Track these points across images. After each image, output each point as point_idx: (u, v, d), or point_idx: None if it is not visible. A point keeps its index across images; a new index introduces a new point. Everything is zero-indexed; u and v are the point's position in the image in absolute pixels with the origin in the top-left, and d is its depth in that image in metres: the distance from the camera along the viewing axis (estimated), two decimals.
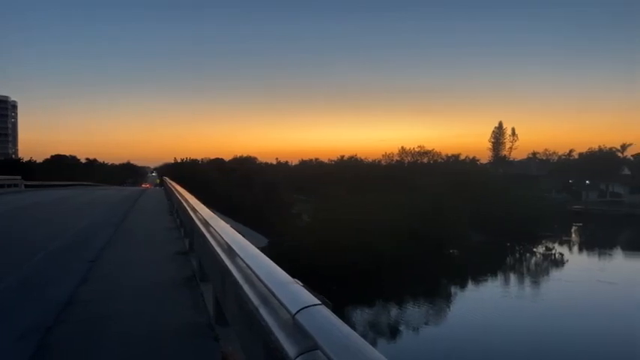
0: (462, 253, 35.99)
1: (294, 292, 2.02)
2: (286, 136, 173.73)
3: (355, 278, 25.37)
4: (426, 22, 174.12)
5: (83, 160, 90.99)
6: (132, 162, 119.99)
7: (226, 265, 3.39)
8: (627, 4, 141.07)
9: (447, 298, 26.70)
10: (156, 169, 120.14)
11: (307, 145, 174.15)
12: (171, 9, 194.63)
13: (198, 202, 7.84)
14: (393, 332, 20.94)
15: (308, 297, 1.91)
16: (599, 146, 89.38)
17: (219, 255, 3.82)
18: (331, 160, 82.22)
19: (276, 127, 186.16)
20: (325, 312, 1.77)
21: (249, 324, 2.63)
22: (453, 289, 28.26)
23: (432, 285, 28.94)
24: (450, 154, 71.22)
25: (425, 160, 65.60)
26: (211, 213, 5.93)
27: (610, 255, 40.47)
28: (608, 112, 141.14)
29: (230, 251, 3.46)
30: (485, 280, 30.30)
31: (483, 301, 25.86)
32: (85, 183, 46.73)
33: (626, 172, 73.68)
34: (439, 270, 31.31)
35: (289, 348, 1.80)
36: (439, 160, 66.24)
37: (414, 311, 24.06)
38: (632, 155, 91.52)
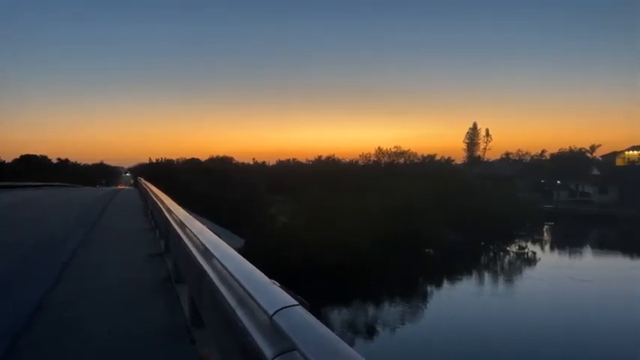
0: (438, 252, 36.45)
1: (271, 293, 2.01)
2: (263, 137, 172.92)
3: (333, 278, 25.41)
4: (401, 24, 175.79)
5: (54, 160, 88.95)
6: (105, 162, 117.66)
7: (202, 267, 3.36)
8: (600, 7, 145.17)
9: (424, 296, 26.99)
10: (130, 169, 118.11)
11: (285, 146, 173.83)
12: (145, 9, 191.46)
13: (173, 202, 7.76)
14: (371, 331, 21.07)
15: (286, 298, 1.91)
16: (570, 147, 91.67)
17: (195, 256, 3.78)
18: (309, 161, 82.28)
19: (253, 127, 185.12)
20: (303, 313, 1.77)
21: (226, 325, 2.61)
22: (429, 288, 28.59)
23: (409, 284, 29.22)
24: (425, 155, 71.96)
25: (401, 160, 66.15)
26: (187, 214, 5.87)
27: (580, 253, 41.59)
28: (578, 113, 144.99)
29: (206, 252, 3.43)
30: (461, 279, 30.75)
31: (459, 300, 26.24)
32: (56, 184, 45.64)
33: (595, 172, 75.81)
34: (416, 269, 31.64)
35: (266, 349, 1.79)
36: (415, 161, 66.88)
37: (391, 310, 24.25)
38: (600, 156, 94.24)
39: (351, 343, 18.45)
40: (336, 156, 76.00)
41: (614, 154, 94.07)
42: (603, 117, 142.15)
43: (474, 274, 32.69)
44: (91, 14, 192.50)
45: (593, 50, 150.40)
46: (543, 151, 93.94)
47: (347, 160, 73.81)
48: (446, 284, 29.39)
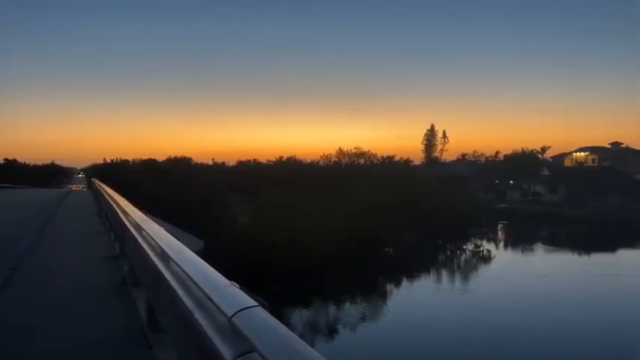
0: (397, 252, 37.01)
1: (230, 295, 1.99)
2: (223, 137, 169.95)
3: (294, 279, 25.40)
4: (361, 24, 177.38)
5: (1, 161, 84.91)
6: (57, 162, 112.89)
7: (160, 270, 3.29)
8: (553, 10, 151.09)
9: (384, 295, 27.37)
10: (83, 170, 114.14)
11: (245, 146, 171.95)
12: (96, 8, 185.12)
13: (128, 204, 7.58)
14: (332, 331, 21.17)
15: (245, 299, 1.90)
16: (522, 148, 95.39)
17: (152, 259, 3.70)
18: (269, 161, 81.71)
19: (212, 127, 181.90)
20: (262, 314, 1.76)
21: (185, 329, 2.58)
22: (388, 287, 29.01)
23: (369, 283, 29.55)
24: (385, 156, 72.82)
25: (361, 161, 66.69)
26: (143, 215, 5.74)
27: (532, 251, 43.30)
28: (530, 115, 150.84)
29: (163, 255, 3.37)
30: (419, 278, 31.37)
31: (418, 298, 26.77)
32: (2, 185, 43.54)
33: (546, 172, 78.86)
34: (376, 269, 32.03)
35: (225, 351, 1.78)
36: (375, 162, 67.56)
37: (352, 310, 24.45)
38: (550, 157, 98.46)
39: (312, 343, 18.48)
40: (297, 156, 75.87)
41: (563, 155, 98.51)
42: (553, 119, 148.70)
43: (432, 273, 33.44)
44: (37, 12, 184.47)
45: (543, 55, 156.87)
46: (497, 153, 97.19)
47: (308, 160, 73.78)
48: (405, 283, 29.91)
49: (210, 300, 2.05)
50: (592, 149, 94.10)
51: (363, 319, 22.86)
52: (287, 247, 26.70)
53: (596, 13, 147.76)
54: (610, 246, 43.79)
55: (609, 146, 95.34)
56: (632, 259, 38.79)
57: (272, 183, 43.14)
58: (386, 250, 37.15)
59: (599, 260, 37.75)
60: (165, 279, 3.08)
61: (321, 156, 71.06)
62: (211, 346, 1.92)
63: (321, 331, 21.27)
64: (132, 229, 5.55)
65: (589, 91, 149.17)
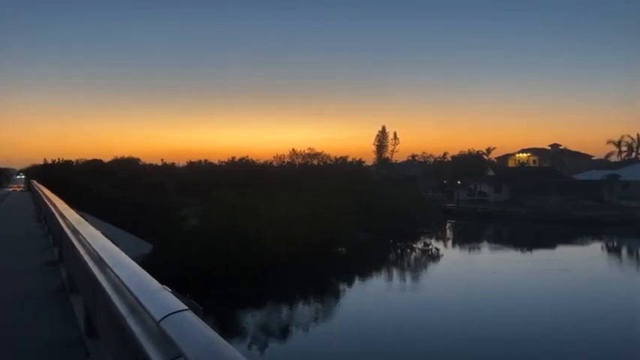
0: (349, 251, 37.41)
1: (160, 299, 1.98)
2: (172, 137, 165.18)
3: (247, 281, 25.14)
4: (312, 25, 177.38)
5: None
6: None
7: (95, 274, 3.21)
8: (498, 12, 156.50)
9: (336, 294, 27.57)
10: (22, 170, 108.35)
11: (196, 146, 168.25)
12: (52, 10, 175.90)
13: (67, 206, 7.31)
14: (283, 333, 21.09)
15: (175, 303, 1.89)
16: (469, 149, 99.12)
17: (87, 264, 3.60)
18: (222, 162, 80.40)
19: (161, 126, 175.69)
20: (191, 317, 1.76)
21: (119, 335, 2.53)
22: (341, 286, 29.25)
23: (321, 283, 29.68)
24: (338, 156, 73.40)
25: (315, 161, 66.95)
26: (80, 218, 5.55)
27: (479, 249, 44.94)
28: (476, 118, 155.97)
29: (99, 260, 3.29)
30: (371, 276, 31.84)
31: (369, 296, 27.11)
32: None
33: (491, 172, 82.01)
34: (328, 268, 32.23)
35: (154, 357, 1.76)
36: (328, 162, 67.98)
37: (303, 310, 24.48)
38: (495, 158, 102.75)
39: (265, 344, 18.37)
40: (250, 157, 75.01)
41: (507, 156, 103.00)
42: (498, 122, 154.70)
43: (383, 271, 34.09)
44: None
45: (488, 59, 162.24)
46: (445, 153, 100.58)
47: (262, 160, 73.23)
48: (357, 282, 30.27)
49: (141, 305, 2.02)
50: (533, 150, 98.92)
51: (315, 318, 22.96)
52: (240, 249, 26.42)
53: (536, 16, 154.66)
54: (550, 243, 46.02)
55: (549, 148, 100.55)
56: (570, 254, 40.88)
57: (224, 184, 42.56)
58: (339, 249, 37.49)
59: (542, 257, 39.52)
60: (100, 285, 3.00)
61: (274, 157, 70.92)
62: (142, 351, 1.90)
63: (274, 333, 21.17)
64: (69, 233, 5.35)
65: (530, 95, 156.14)
